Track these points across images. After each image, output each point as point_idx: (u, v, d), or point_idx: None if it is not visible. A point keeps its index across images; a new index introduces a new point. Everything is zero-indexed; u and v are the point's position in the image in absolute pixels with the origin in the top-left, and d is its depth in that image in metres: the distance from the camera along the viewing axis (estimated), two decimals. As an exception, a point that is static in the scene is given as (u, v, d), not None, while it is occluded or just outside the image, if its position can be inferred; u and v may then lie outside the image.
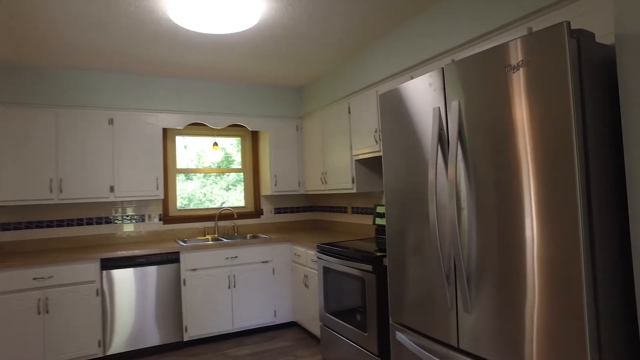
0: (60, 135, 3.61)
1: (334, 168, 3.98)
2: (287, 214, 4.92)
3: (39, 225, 3.80)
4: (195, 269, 3.74)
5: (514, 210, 1.43)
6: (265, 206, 4.80)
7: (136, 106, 3.91)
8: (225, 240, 4.06)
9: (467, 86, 1.59)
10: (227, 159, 4.80)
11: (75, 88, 3.71)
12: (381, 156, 3.52)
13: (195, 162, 4.57)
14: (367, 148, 3.45)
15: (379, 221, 3.67)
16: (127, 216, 4.13)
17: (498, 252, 1.49)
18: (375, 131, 3.34)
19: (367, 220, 4.10)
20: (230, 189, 4.78)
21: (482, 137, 1.54)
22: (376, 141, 3.34)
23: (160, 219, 4.28)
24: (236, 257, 3.92)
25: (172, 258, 3.66)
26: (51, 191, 3.55)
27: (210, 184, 4.75)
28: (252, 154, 4.82)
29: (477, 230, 1.58)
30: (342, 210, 4.51)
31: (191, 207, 4.58)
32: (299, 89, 4.71)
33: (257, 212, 4.76)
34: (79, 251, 3.54)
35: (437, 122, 1.72)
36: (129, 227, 4.13)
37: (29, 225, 3.77)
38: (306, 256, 3.80)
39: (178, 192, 4.45)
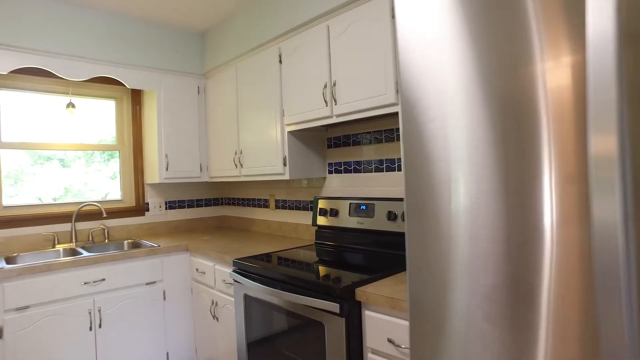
0: None
1: (255, 145, 2.77)
2: (184, 209, 3.57)
3: None
4: (24, 308, 2.26)
5: None
6: (153, 199, 3.40)
7: None
8: (85, 253, 2.62)
9: None
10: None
11: None
12: (332, 124, 2.40)
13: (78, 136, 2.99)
14: (311, 112, 2.31)
15: (322, 221, 2.57)
16: None
17: None
18: (326, 86, 2.21)
19: (298, 218, 2.97)
20: (117, 177, 3.30)
21: None
22: (326, 101, 2.21)
23: (-29, 223, 2.66)
24: (103, 279, 2.51)
25: (-20, 291, 2.14)
26: None
27: (94, 172, 3.21)
28: (132, 124, 3.36)
29: None
30: (263, 204, 3.32)
31: (69, 201, 3.00)
32: (201, 35, 3.37)
33: (140, 208, 3.34)
34: None
35: None
36: None
37: None
38: (214, 274, 2.55)
39: (52, 183, 2.84)
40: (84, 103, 3.17)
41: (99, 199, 3.23)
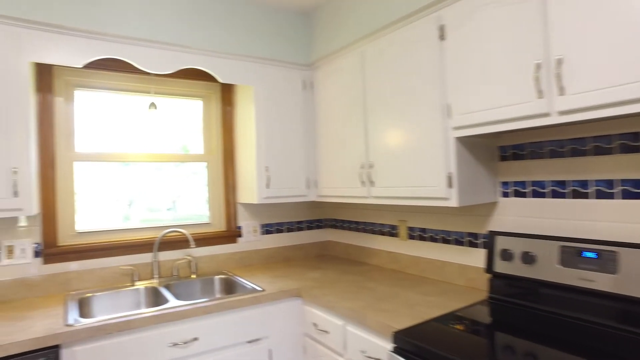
0: None
1: (394, 156, 2.01)
2: (282, 233, 2.88)
3: None
4: (100, 382, 1.65)
5: None
6: (246, 221, 2.74)
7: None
8: (172, 300, 1.99)
9: None
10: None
11: None
12: (542, 127, 1.56)
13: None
14: (506, 109, 1.50)
15: (504, 268, 1.74)
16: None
17: None
18: (540, 67, 1.40)
19: (446, 254, 2.16)
20: (186, 181, 2.69)
21: None
22: (541, 91, 1.40)
23: (37, 255, 2.12)
24: (196, 339, 1.86)
25: (41, 362, 1.55)
26: None
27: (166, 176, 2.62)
28: (222, 129, 2.73)
29: None
30: (388, 231, 2.55)
31: (133, 213, 2.44)
32: (308, 14, 2.67)
33: (232, 233, 2.69)
34: None
35: None
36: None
37: None
38: (345, 337, 1.81)
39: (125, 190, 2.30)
40: (166, 103, 2.58)
41: (151, 224, 2.62)
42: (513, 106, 1.48)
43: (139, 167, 2.49)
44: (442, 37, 1.76)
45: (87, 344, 1.63)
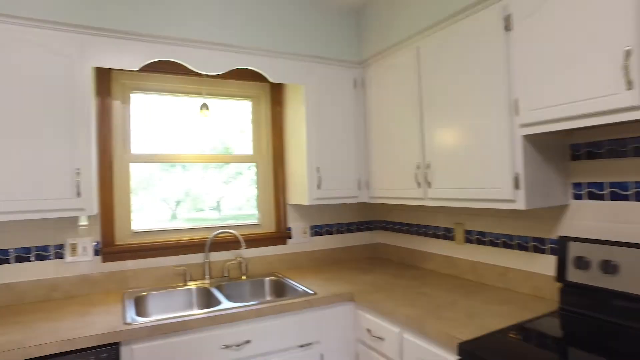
0: None
1: (452, 156, 1.90)
2: (333, 235, 2.83)
3: None
4: (156, 381, 1.66)
5: None
6: (296, 223, 2.71)
7: (11, 11, 1.78)
8: (224, 302, 1.98)
9: None
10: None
11: None
12: (627, 122, 1.38)
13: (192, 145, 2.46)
14: (587, 103, 1.36)
15: (578, 277, 1.60)
16: (17, 250, 2.03)
17: None
18: (629, 55, 1.25)
19: (508, 259, 2.02)
20: (229, 182, 2.71)
21: None
22: (630, 81, 1.25)
23: (97, 253, 2.19)
24: (248, 341, 1.84)
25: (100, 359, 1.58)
26: None
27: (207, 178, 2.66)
28: (272, 129, 2.72)
29: None
30: (442, 234, 2.43)
31: (182, 211, 2.49)
32: (358, 11, 2.60)
33: (282, 235, 2.67)
34: None
35: None
36: (18, 273, 2.03)
37: None
38: (402, 345, 1.73)
39: (175, 189, 2.35)
40: (217, 104, 2.59)
41: (206, 224, 2.63)
42: (594, 100, 1.34)
43: (187, 167, 2.52)
44: (507, 27, 1.64)
45: (144, 342, 1.65)
